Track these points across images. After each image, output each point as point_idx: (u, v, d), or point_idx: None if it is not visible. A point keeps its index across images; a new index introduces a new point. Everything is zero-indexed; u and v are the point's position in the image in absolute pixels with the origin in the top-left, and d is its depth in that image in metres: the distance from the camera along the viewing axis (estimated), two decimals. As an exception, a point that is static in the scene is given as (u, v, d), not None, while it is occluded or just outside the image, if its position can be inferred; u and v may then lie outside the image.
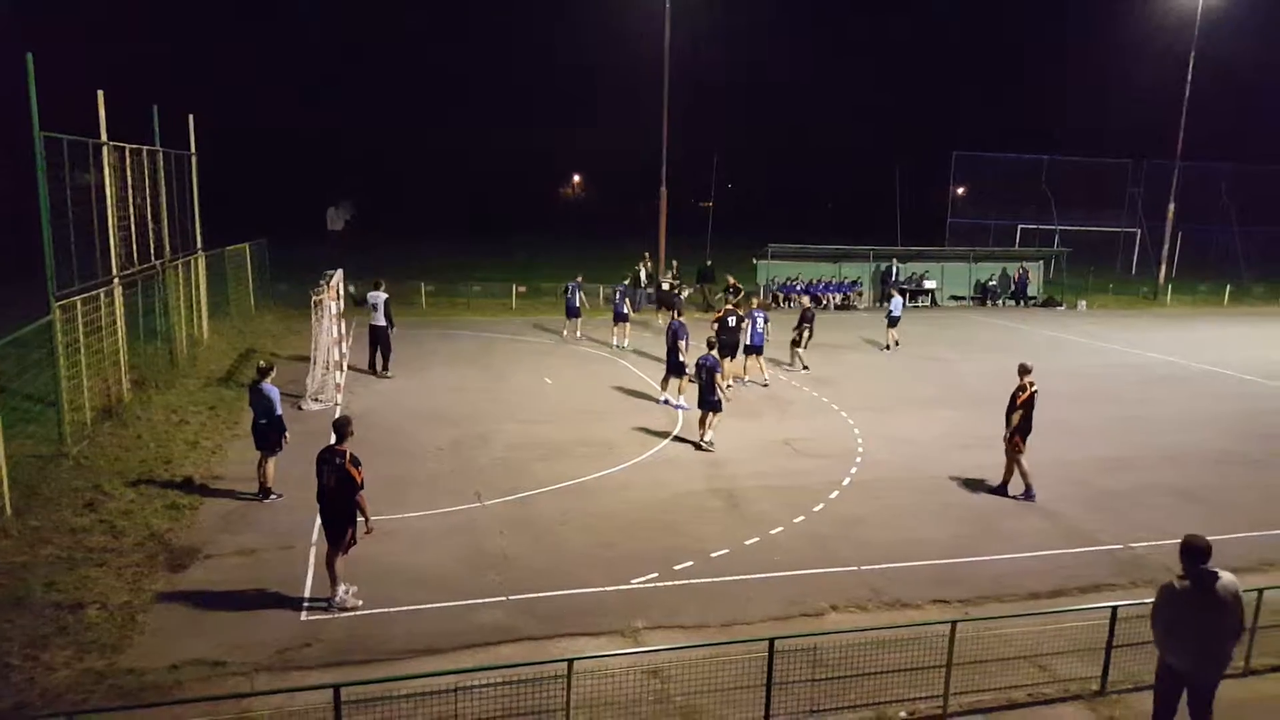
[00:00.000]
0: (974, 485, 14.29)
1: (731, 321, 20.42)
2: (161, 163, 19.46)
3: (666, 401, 18.66)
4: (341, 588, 9.64)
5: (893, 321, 26.15)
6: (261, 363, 13.44)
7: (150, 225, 18.50)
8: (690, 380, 17.97)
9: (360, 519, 9.59)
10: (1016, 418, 13.47)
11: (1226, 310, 40.09)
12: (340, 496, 9.51)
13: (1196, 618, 7.12)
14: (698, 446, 15.73)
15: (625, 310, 25.01)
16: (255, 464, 12.82)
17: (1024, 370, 13.66)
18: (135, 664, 8.37)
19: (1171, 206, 42.50)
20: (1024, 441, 13.52)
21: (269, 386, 12.78)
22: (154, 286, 19.17)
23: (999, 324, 33.25)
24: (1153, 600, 7.42)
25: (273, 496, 12.62)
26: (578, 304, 26.28)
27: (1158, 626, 7.33)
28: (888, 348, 26.08)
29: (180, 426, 15.59)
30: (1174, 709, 7.55)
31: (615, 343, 25.16)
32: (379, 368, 20.70)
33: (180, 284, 20.76)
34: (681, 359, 18.30)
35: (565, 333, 26.84)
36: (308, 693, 7.58)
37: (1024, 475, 13.66)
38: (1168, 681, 7.49)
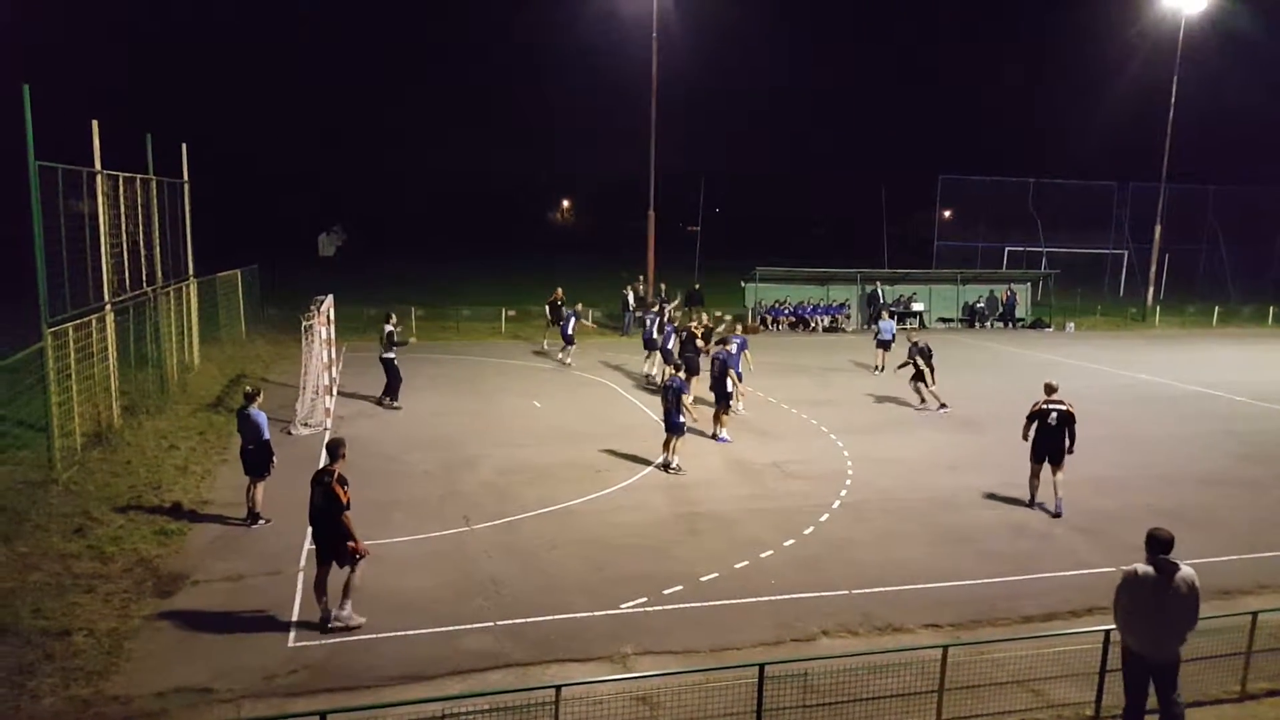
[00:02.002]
0: (964, 507, 14.31)
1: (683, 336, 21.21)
2: (155, 191, 19.50)
3: (715, 436, 17.92)
4: (350, 604, 9.64)
5: (884, 344, 26.23)
6: (249, 388, 13.42)
7: (143, 252, 18.57)
8: (732, 411, 18.41)
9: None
10: (1029, 432, 14.03)
11: (1215, 331, 40.24)
12: (327, 516, 9.55)
13: (1154, 604, 7.57)
14: (665, 468, 15.77)
15: (655, 337, 24.06)
16: (244, 489, 12.80)
17: (1046, 389, 14.26)
18: (122, 691, 8.32)
19: (1158, 228, 42.81)
20: (1037, 461, 14.03)
21: (256, 412, 12.76)
22: (146, 312, 19.17)
23: (987, 346, 33.36)
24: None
25: (261, 522, 12.59)
26: (570, 331, 26.64)
27: (1119, 609, 7.78)
28: (879, 369, 26.12)
29: (170, 452, 15.55)
30: (1145, 690, 7.85)
31: (646, 370, 24.67)
32: (387, 400, 20.39)
33: (172, 310, 20.78)
34: (729, 389, 17.88)
35: (562, 356, 27.11)
36: (295, 720, 7.55)
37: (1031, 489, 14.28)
38: (1132, 664, 7.85)
